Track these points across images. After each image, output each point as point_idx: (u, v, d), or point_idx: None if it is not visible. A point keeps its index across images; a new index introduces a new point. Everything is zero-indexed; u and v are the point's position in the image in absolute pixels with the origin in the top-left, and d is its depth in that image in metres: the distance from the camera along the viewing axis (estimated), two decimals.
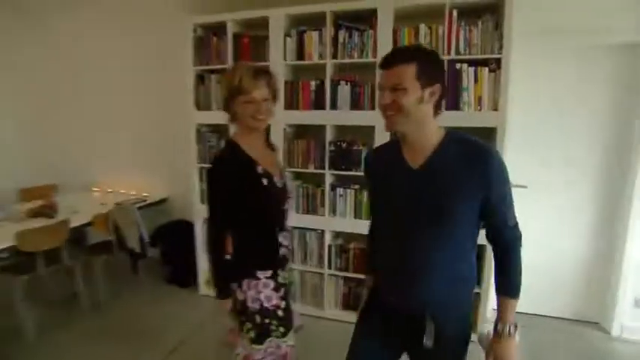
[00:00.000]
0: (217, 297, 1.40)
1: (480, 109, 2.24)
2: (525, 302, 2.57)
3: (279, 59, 2.55)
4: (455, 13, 2.19)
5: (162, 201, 3.55)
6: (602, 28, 2.25)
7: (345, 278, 2.69)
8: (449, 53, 2.23)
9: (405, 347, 1.23)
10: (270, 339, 1.40)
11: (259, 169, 1.35)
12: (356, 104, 2.47)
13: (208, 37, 2.74)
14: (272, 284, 1.39)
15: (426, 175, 1.06)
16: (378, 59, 2.24)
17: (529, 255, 2.50)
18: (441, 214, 1.05)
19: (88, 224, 2.85)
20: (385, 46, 2.30)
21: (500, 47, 2.15)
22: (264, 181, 1.35)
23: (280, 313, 1.41)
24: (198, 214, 2.93)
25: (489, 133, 2.24)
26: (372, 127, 2.41)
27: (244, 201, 1.33)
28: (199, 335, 2.52)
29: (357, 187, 2.56)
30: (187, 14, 2.79)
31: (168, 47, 3.17)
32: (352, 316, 1.51)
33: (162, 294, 3.11)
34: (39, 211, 2.87)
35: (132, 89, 3.56)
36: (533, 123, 2.54)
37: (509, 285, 1.12)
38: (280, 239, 1.43)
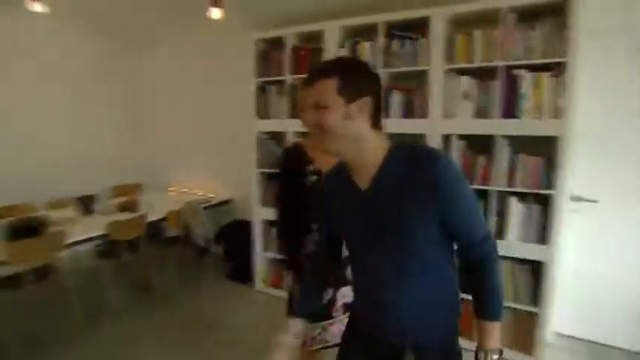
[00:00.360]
0: None
1: (540, 117, 2.12)
2: (595, 331, 2.39)
3: None
4: (512, 17, 2.10)
5: (227, 202, 3.86)
6: None
7: None
8: (505, 59, 2.14)
9: None
10: None
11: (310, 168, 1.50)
12: (408, 112, 2.48)
13: (269, 51, 2.96)
14: None
15: (375, 197, 0.96)
16: (431, 67, 2.28)
17: (600, 275, 2.32)
18: (399, 237, 0.95)
19: (163, 219, 3.22)
20: (438, 54, 2.30)
21: (564, 50, 2.02)
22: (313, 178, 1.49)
23: None
24: (257, 215, 3.15)
25: (550, 143, 2.10)
26: (424, 135, 2.41)
27: None
28: (256, 328, 2.71)
29: None
30: (250, 30, 3.03)
31: (233, 61, 3.47)
32: None
33: (224, 288, 3.38)
34: (124, 206, 3.32)
35: (203, 101, 3.96)
36: (602, 131, 2.31)
37: (486, 307, 0.99)
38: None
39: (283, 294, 3.11)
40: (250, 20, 3.23)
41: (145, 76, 4.45)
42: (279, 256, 3.07)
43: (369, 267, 1.04)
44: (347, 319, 1.27)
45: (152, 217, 3.14)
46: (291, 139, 2.85)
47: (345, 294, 1.50)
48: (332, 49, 2.64)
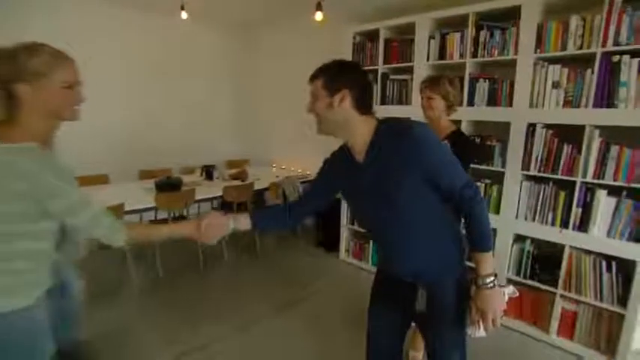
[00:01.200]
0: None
1: None
2: None
3: (422, 60, 2.82)
4: None
5: None
6: None
7: None
8: (604, 45, 2.06)
9: (410, 312, 1.36)
10: None
11: None
12: (493, 100, 2.53)
13: (364, 43, 3.23)
14: None
15: (368, 167, 1.19)
16: (519, 56, 2.31)
17: None
18: (393, 202, 1.16)
19: (266, 189, 3.80)
20: (529, 43, 2.29)
21: None
22: None
23: None
24: None
25: None
26: (508, 124, 2.44)
27: None
28: (334, 288, 3.12)
29: (488, 181, 2.62)
30: (348, 24, 3.34)
31: (332, 53, 3.81)
32: None
33: (312, 253, 3.85)
34: (236, 176, 3.99)
35: (303, 89, 4.42)
36: None
37: (476, 238, 1.17)
38: None
39: (363, 264, 3.45)
40: (348, 15, 3.54)
41: (257, 67, 5.12)
42: (361, 230, 3.40)
43: (375, 227, 1.31)
44: None
45: (257, 187, 3.74)
46: None
47: None
48: (423, 40, 2.80)
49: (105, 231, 1.17)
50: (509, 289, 1.27)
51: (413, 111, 2.91)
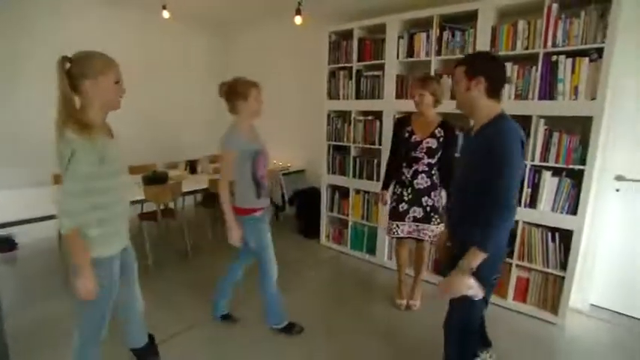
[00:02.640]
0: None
1: (576, 99, 2.34)
2: (633, 306, 2.56)
3: (393, 58, 3.09)
4: (555, 6, 2.32)
5: (301, 171, 4.53)
6: None
7: None
8: (544, 46, 2.38)
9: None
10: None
11: (408, 129, 2.46)
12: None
13: (339, 42, 3.48)
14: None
15: (474, 140, 1.52)
16: None
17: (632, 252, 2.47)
18: (472, 168, 1.50)
19: None
20: (485, 43, 2.60)
21: (604, 36, 2.20)
22: (406, 135, 2.46)
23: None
24: (325, 181, 3.75)
25: (585, 122, 2.32)
26: None
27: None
28: (318, 270, 3.35)
29: None
30: (325, 24, 3.57)
31: (309, 50, 4.06)
32: None
33: (295, 240, 4.09)
34: (219, 169, 4.15)
35: (283, 84, 4.64)
36: None
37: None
38: (404, 170, 2.51)
39: (342, 248, 3.70)
40: (324, 15, 3.77)
41: (237, 64, 5.28)
42: (339, 216, 3.66)
43: (456, 184, 1.64)
44: (414, 225, 2.51)
45: None
46: (355, 117, 3.39)
47: (416, 210, 2.51)
48: (393, 39, 3.07)
49: (59, 208, 1.33)
50: (472, 288, 1.47)
51: (384, 105, 3.19)
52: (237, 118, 2.17)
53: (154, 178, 3.38)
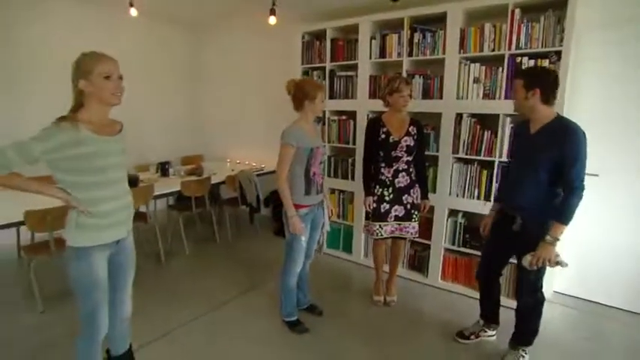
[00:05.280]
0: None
1: None
2: (584, 288, 2.74)
3: (365, 58, 3.14)
4: (518, 11, 2.45)
5: (275, 171, 4.49)
6: None
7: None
8: (509, 48, 2.51)
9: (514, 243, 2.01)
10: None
11: (384, 130, 2.47)
12: (427, 94, 2.91)
13: (313, 42, 3.49)
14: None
15: (536, 138, 1.86)
16: (447, 55, 2.71)
17: (600, 242, 2.65)
18: (534, 163, 1.85)
19: (222, 182, 3.93)
20: (454, 44, 2.70)
21: (561, 40, 2.34)
22: (383, 136, 2.47)
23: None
24: None
25: None
26: (440, 114, 2.84)
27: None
28: None
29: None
30: (298, 24, 3.58)
31: (283, 51, 4.04)
32: None
33: (270, 241, 4.06)
34: (192, 171, 4.07)
35: (256, 86, 4.60)
36: (604, 111, 2.61)
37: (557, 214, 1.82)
38: (384, 171, 2.53)
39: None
40: (298, 15, 3.77)
41: (210, 65, 5.18)
42: None
43: (516, 172, 1.98)
44: (396, 224, 2.57)
45: (214, 180, 3.86)
46: (330, 116, 3.42)
47: (397, 209, 2.56)
48: (365, 40, 3.12)
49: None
50: (562, 261, 1.85)
51: (358, 105, 3.24)
52: (301, 115, 2.28)
53: None
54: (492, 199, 2.61)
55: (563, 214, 1.78)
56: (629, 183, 2.60)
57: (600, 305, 2.80)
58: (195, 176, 3.97)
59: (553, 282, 2.87)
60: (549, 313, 2.68)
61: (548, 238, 1.80)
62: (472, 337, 2.34)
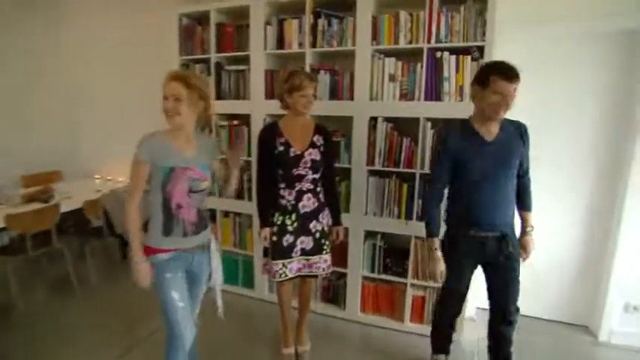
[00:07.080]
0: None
1: (462, 100, 2.14)
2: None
3: (259, 48, 2.52)
4: None
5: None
6: (599, 14, 2.11)
7: None
8: (429, 41, 2.13)
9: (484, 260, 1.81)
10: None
11: (281, 141, 1.90)
12: (335, 94, 2.42)
13: (193, 27, 2.75)
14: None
15: (496, 144, 1.67)
16: (358, 47, 2.22)
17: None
18: (508, 168, 1.69)
19: (79, 209, 2.94)
20: (364, 34, 2.24)
21: (484, 34, 2.04)
22: (281, 149, 1.89)
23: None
24: None
25: None
26: (351, 118, 2.36)
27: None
28: None
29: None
30: (174, 5, 2.79)
31: (155, 37, 3.21)
32: None
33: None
34: (34, 196, 2.99)
35: (125, 79, 3.64)
36: (537, 111, 2.39)
37: (525, 204, 1.83)
38: (284, 193, 1.95)
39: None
40: None
41: (68, 53, 4.00)
42: None
43: (485, 184, 1.70)
44: (303, 260, 2.01)
45: (67, 208, 2.87)
46: (218, 121, 2.72)
47: (304, 241, 1.99)
48: (258, 26, 2.50)
49: None
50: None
51: (252, 106, 2.61)
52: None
53: None
54: (433, 224, 1.84)
55: (531, 202, 1.84)
56: (547, 191, 2.43)
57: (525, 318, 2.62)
58: (39, 203, 2.92)
59: (474, 299, 2.59)
60: (478, 332, 2.41)
61: (529, 229, 1.83)
62: None
